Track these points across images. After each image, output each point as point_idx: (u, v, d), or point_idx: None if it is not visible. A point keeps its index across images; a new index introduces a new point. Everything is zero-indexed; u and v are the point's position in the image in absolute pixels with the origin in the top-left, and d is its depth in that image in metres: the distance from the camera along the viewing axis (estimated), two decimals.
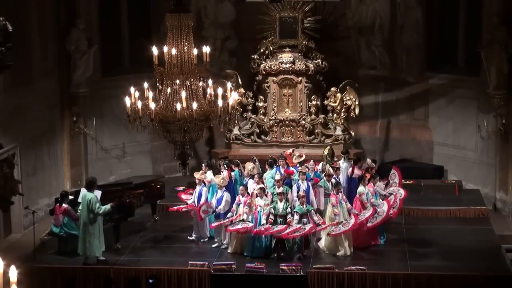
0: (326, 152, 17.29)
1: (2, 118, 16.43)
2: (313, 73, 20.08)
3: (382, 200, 15.74)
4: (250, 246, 15.06)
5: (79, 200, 15.72)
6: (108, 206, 14.59)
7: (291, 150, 17.58)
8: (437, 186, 18.86)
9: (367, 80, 20.77)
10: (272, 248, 15.05)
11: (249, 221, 14.98)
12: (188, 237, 16.07)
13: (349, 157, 17.63)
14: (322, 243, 15.38)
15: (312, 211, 15.13)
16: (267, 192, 15.49)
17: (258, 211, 15.03)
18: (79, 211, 15.02)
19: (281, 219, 14.95)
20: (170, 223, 16.96)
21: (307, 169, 16.10)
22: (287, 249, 15.15)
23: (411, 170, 19.55)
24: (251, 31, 20.46)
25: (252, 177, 16.02)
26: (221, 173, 16.33)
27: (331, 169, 16.14)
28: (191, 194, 16.38)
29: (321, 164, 16.66)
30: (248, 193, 15.38)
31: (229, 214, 15.38)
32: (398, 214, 15.95)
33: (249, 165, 16.36)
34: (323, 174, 16.16)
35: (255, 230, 14.82)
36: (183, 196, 16.46)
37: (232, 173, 16.55)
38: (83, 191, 15.91)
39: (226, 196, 15.55)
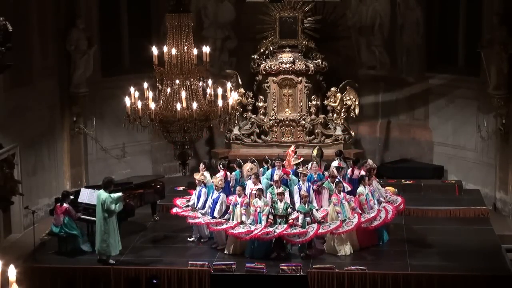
0: (315, 152, 17.27)
1: (2, 118, 16.44)
2: (313, 73, 20.08)
3: (381, 200, 15.79)
4: (250, 247, 15.05)
5: (79, 200, 15.78)
6: (120, 203, 14.65)
7: (293, 147, 17.58)
8: (437, 186, 18.85)
9: (367, 80, 20.78)
10: (272, 248, 15.04)
11: (250, 224, 14.96)
12: (188, 238, 16.06)
13: (344, 157, 17.55)
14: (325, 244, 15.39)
15: (314, 209, 15.13)
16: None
17: (258, 212, 15.01)
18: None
19: (280, 219, 14.95)
20: (170, 223, 16.95)
21: (308, 171, 16.09)
22: (287, 249, 15.15)
23: (411, 170, 19.59)
24: (251, 31, 20.47)
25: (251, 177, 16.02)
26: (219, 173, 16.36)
27: (335, 170, 16.13)
28: (187, 197, 16.44)
29: (310, 164, 16.63)
30: (244, 194, 15.38)
31: (226, 216, 15.37)
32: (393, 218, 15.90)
33: (247, 166, 16.35)
34: (327, 175, 16.10)
35: (257, 233, 14.78)
36: (178, 202, 16.40)
37: (233, 173, 16.55)
38: (84, 191, 15.97)
39: (222, 197, 15.54)
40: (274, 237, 14.80)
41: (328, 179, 15.88)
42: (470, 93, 19.31)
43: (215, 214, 15.45)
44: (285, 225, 14.81)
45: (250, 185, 15.76)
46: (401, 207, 16.24)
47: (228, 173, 16.49)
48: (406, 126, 20.82)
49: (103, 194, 14.59)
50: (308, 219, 14.97)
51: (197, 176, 16.07)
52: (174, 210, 16.15)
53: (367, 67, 20.88)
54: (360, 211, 15.30)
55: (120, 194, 14.71)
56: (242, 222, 15.04)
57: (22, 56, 16.41)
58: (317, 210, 15.33)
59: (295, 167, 16.55)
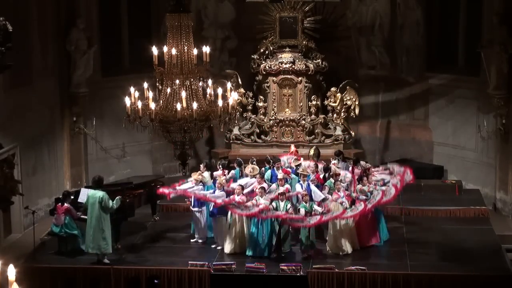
0: (312, 152, 17.24)
1: (2, 118, 16.44)
2: (313, 73, 20.08)
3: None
4: (251, 246, 15.04)
5: (79, 200, 15.77)
6: (118, 200, 14.74)
7: (293, 147, 17.58)
8: (437, 186, 18.86)
9: (367, 80, 20.78)
10: (272, 248, 15.04)
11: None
12: (191, 240, 16.03)
13: (344, 157, 17.54)
14: (327, 243, 15.38)
15: (315, 205, 15.11)
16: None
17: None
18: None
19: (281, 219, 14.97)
20: (170, 223, 16.98)
21: (308, 172, 16.09)
22: (287, 249, 15.15)
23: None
24: (251, 31, 20.47)
25: (254, 177, 15.97)
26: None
27: (337, 169, 16.13)
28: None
29: (307, 163, 16.61)
30: (243, 194, 15.37)
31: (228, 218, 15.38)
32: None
33: (248, 167, 16.29)
34: (330, 174, 16.08)
35: (251, 212, 14.80)
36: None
37: (232, 171, 16.53)
38: (84, 191, 15.96)
39: (223, 195, 15.52)
40: (272, 216, 14.76)
41: (331, 178, 15.88)
42: (470, 93, 19.31)
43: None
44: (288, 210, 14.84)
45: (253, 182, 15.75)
46: (410, 178, 16.21)
47: (232, 172, 16.48)
48: (406, 126, 20.82)
49: (98, 192, 14.59)
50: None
51: (194, 175, 16.04)
52: (161, 190, 15.86)
53: (367, 67, 20.87)
54: (364, 198, 15.27)
55: (119, 201, 14.78)
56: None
57: (22, 56, 16.42)
58: (323, 200, 15.27)
59: (294, 167, 16.53)
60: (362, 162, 17.04)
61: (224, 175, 16.21)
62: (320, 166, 16.62)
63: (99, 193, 14.58)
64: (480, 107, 18.88)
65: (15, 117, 16.87)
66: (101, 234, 14.54)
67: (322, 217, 14.83)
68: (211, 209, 15.57)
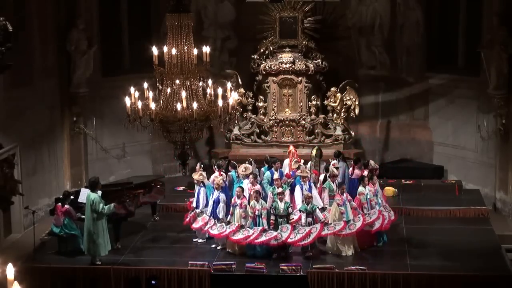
0: (314, 152, 17.19)
1: (2, 118, 16.45)
2: (313, 73, 20.08)
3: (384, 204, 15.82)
4: (252, 246, 15.04)
5: (79, 200, 15.77)
6: (111, 206, 14.61)
7: (292, 148, 17.58)
8: (437, 186, 18.86)
9: (367, 80, 20.78)
10: (273, 248, 15.02)
11: (249, 228, 14.94)
12: (194, 240, 16.02)
13: (344, 157, 17.52)
14: (327, 244, 15.36)
15: (317, 209, 15.09)
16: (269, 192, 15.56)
17: (256, 215, 15.01)
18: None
19: (281, 219, 14.95)
20: (170, 223, 16.97)
21: (308, 172, 16.07)
22: (289, 249, 15.14)
23: (411, 170, 19.59)
24: (251, 31, 20.47)
25: (247, 177, 15.98)
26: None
27: (335, 170, 16.09)
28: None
29: (309, 164, 16.61)
30: (244, 195, 15.35)
31: (229, 217, 15.35)
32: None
33: (241, 167, 16.29)
34: (328, 175, 16.07)
35: (260, 240, 14.79)
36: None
37: (229, 173, 16.53)
38: (84, 191, 15.96)
39: (223, 197, 15.52)
40: (280, 244, 14.77)
41: (328, 178, 15.90)
42: (470, 93, 19.32)
43: (219, 215, 15.41)
44: (289, 227, 14.77)
45: (245, 185, 15.72)
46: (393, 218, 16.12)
47: (223, 174, 16.46)
48: (406, 126, 20.82)
49: (91, 195, 14.55)
50: (310, 219, 14.96)
51: (195, 175, 16.05)
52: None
53: (367, 67, 20.88)
54: (360, 211, 15.28)
55: (112, 207, 14.66)
56: (242, 226, 15.00)
57: (22, 56, 16.42)
58: (322, 210, 15.27)
59: (296, 170, 16.52)
60: (372, 162, 17.01)
61: (221, 175, 16.20)
62: (322, 166, 16.64)
63: (92, 196, 14.53)
64: (480, 107, 18.88)
65: (15, 117, 16.87)
66: (92, 237, 14.49)
67: (321, 229, 14.80)
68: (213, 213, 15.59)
